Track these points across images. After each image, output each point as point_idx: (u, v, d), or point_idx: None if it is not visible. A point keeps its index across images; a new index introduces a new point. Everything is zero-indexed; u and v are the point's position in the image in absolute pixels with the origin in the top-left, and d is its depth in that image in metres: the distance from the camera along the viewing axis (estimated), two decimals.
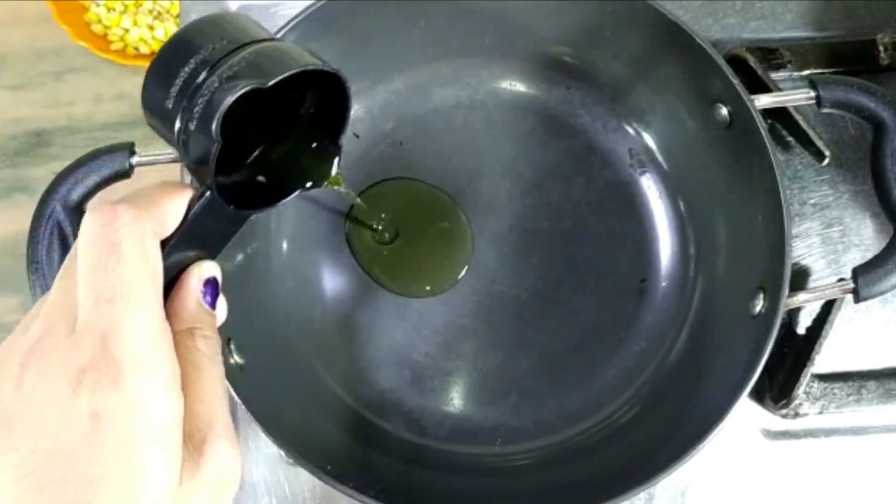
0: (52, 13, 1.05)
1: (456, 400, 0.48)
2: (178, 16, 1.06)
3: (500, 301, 0.49)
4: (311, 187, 0.33)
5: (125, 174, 0.43)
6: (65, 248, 0.42)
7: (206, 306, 0.29)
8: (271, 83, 0.26)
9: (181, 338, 0.27)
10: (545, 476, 0.46)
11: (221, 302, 0.30)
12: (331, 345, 0.49)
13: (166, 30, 1.09)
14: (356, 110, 0.50)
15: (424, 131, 0.51)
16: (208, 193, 0.28)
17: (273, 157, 0.32)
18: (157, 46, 1.09)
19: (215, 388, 0.27)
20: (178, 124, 0.27)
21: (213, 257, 0.30)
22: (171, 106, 0.27)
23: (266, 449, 0.48)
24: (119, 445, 0.24)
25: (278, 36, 0.30)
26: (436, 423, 0.48)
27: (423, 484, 0.46)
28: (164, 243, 0.28)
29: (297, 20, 0.43)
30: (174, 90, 0.27)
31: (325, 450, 0.43)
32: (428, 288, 0.50)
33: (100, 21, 1.09)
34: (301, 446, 0.40)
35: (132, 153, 0.43)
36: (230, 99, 0.26)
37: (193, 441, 0.26)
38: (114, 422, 0.24)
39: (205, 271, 0.29)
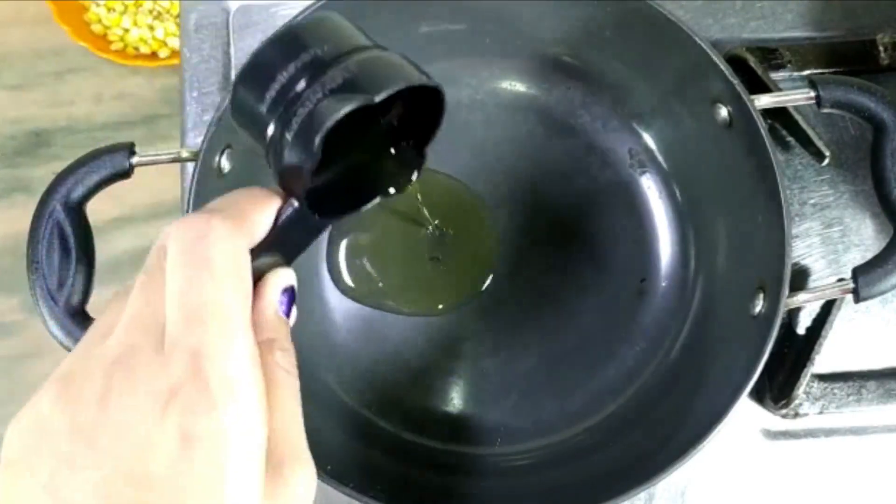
0: (52, 13, 1.05)
1: (456, 400, 0.48)
2: (178, 16, 1.06)
3: (500, 301, 0.49)
4: (393, 193, 0.32)
5: (125, 174, 0.43)
6: (65, 248, 0.42)
7: (283, 316, 0.28)
8: (378, 99, 0.25)
9: (260, 351, 0.26)
10: (545, 476, 0.46)
11: (293, 309, 0.29)
12: (331, 344, 0.49)
13: (166, 30, 1.09)
14: None
15: None
16: (296, 204, 0.27)
17: (354, 161, 0.31)
18: (157, 46, 1.09)
19: (294, 406, 0.26)
20: (271, 131, 0.26)
21: (288, 263, 0.29)
22: (265, 110, 0.26)
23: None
24: (207, 471, 0.23)
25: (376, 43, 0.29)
26: (436, 423, 0.48)
27: (423, 484, 0.46)
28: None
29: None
30: (270, 94, 0.26)
31: (325, 450, 0.42)
32: (441, 306, 0.49)
33: (100, 21, 1.09)
34: None
35: (132, 153, 0.43)
36: (337, 116, 0.25)
37: (273, 462, 0.25)
38: (203, 446, 0.23)
39: (283, 279, 0.28)
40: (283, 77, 0.26)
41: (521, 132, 0.51)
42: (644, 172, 0.50)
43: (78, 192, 0.42)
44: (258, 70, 0.27)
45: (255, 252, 0.27)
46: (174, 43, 1.09)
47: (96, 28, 1.09)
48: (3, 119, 1.08)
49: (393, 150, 0.32)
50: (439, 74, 0.50)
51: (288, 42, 0.27)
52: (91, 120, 1.08)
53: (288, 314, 0.28)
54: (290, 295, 0.28)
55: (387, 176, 0.32)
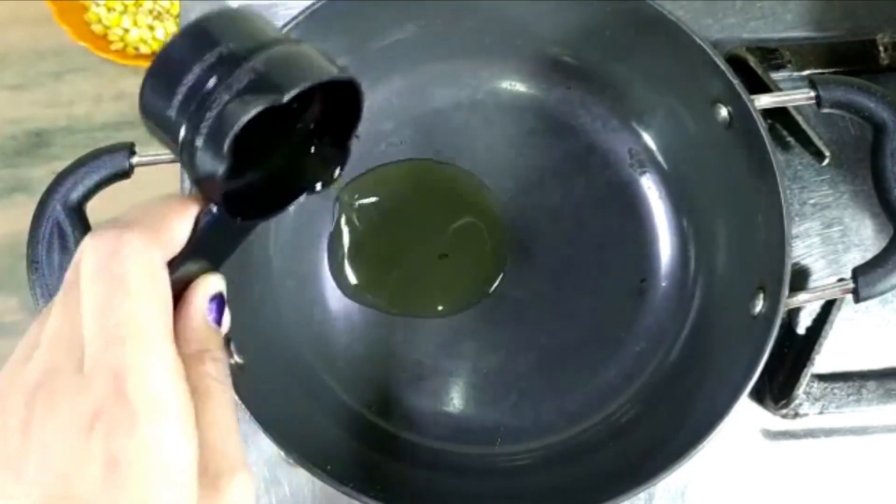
0: (52, 13, 1.05)
1: (456, 400, 0.48)
2: (178, 16, 1.06)
3: (500, 301, 0.49)
4: (319, 190, 0.31)
5: (125, 174, 0.43)
6: (65, 248, 0.42)
7: (214, 325, 0.27)
8: (286, 98, 0.25)
9: (190, 362, 0.25)
10: (545, 476, 0.46)
11: (226, 314, 0.29)
12: (331, 345, 0.49)
13: (166, 30, 1.09)
14: None
15: (424, 131, 0.51)
16: (215, 209, 0.27)
17: (275, 159, 0.31)
18: (157, 46, 1.09)
19: (227, 417, 0.26)
20: (182, 135, 0.25)
21: (216, 268, 0.28)
22: (174, 115, 0.25)
23: (266, 449, 0.48)
24: (136, 491, 0.23)
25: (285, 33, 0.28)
26: (436, 423, 0.48)
27: (423, 484, 0.46)
28: (168, 263, 0.26)
29: (297, 20, 0.43)
30: (178, 98, 0.25)
31: (325, 450, 0.43)
32: (441, 308, 0.49)
33: (100, 21, 1.09)
34: (301, 446, 0.40)
35: (132, 153, 0.43)
36: (243, 119, 0.24)
37: (208, 475, 0.24)
38: (130, 467, 0.22)
39: (210, 287, 0.27)
40: (190, 78, 0.25)
41: (521, 132, 0.51)
42: (644, 172, 0.50)
43: (78, 192, 0.42)
44: (165, 70, 0.26)
45: (178, 260, 0.26)
46: None
47: (96, 28, 1.09)
48: (3, 119, 1.08)
49: (313, 147, 0.31)
50: (439, 74, 0.51)
51: (194, 39, 0.26)
52: (91, 120, 1.08)
53: (219, 322, 0.27)
54: (220, 302, 0.28)
55: (311, 172, 0.31)
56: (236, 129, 0.24)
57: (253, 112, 0.24)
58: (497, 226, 0.50)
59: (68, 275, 0.25)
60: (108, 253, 0.24)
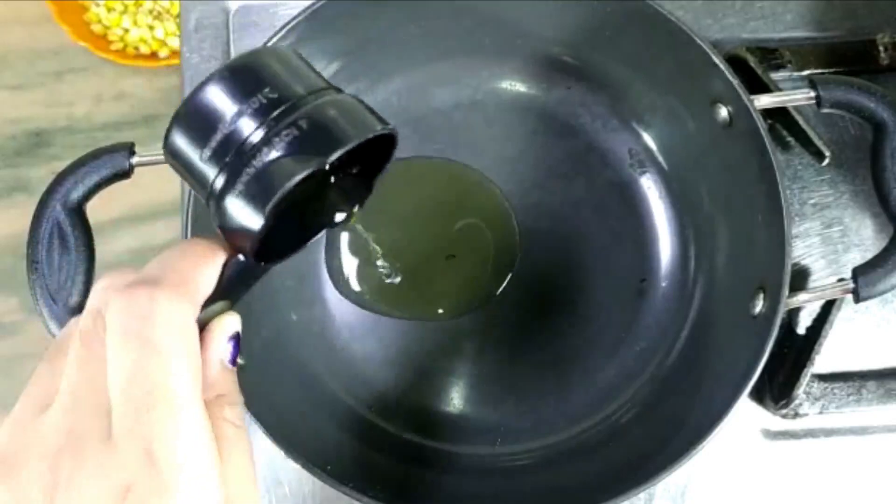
0: (52, 13, 1.05)
1: (456, 400, 0.48)
2: (178, 16, 1.06)
3: (500, 301, 0.49)
4: (338, 223, 0.30)
5: (125, 174, 0.43)
6: (65, 248, 0.42)
7: (230, 366, 0.27)
8: (331, 160, 0.24)
9: (210, 410, 0.25)
10: (545, 476, 0.46)
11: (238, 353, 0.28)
12: (331, 344, 0.49)
13: (166, 30, 1.09)
14: None
15: (424, 131, 0.51)
16: (242, 258, 0.26)
17: (299, 200, 0.29)
18: (157, 46, 1.09)
19: (247, 464, 0.25)
20: (213, 184, 0.24)
21: (232, 306, 0.27)
22: (205, 161, 0.24)
23: (266, 449, 0.48)
24: None
25: (325, 83, 0.26)
26: (436, 423, 0.48)
27: (423, 484, 0.46)
28: None
29: (297, 20, 0.43)
30: (212, 145, 0.24)
31: (325, 450, 0.43)
32: (441, 311, 0.49)
33: (100, 21, 1.09)
34: (301, 446, 0.40)
35: (132, 153, 0.43)
36: (288, 185, 0.23)
37: None
38: None
39: (229, 327, 0.26)
40: (226, 125, 0.24)
41: (521, 132, 0.51)
42: (644, 172, 0.50)
43: (78, 192, 0.42)
44: (198, 114, 0.24)
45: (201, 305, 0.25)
46: (174, 43, 1.09)
47: (96, 28, 1.09)
48: (3, 119, 1.08)
49: (333, 178, 0.30)
50: (439, 74, 0.51)
51: (231, 83, 0.24)
52: (91, 120, 1.08)
53: (234, 362, 0.27)
54: (237, 341, 0.27)
55: (330, 205, 0.30)
56: (281, 193, 0.23)
57: (299, 177, 0.23)
58: (507, 226, 0.50)
59: (86, 323, 0.24)
60: (139, 316, 0.23)
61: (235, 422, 0.25)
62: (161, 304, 0.23)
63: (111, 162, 0.43)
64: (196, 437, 0.23)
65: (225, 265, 0.26)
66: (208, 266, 0.26)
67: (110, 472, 0.22)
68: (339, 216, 0.30)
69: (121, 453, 0.22)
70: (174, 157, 0.25)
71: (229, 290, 0.27)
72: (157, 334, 0.23)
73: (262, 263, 0.27)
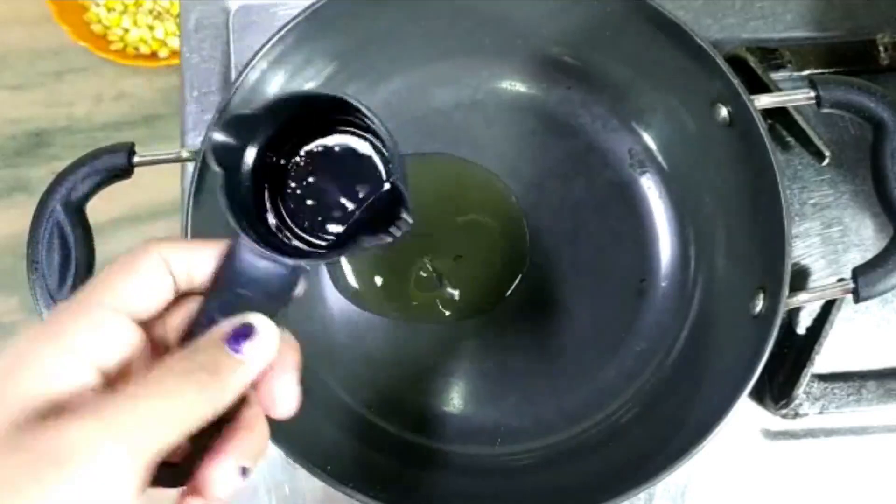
0: (52, 13, 1.05)
1: (456, 400, 0.48)
2: (178, 16, 1.06)
3: (500, 301, 0.49)
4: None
5: (125, 174, 0.43)
6: (65, 248, 0.42)
7: (229, 348, 0.29)
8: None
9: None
10: (545, 476, 0.46)
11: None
12: (331, 345, 0.49)
13: (166, 30, 1.09)
14: None
15: (424, 131, 0.51)
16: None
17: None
18: (157, 46, 1.09)
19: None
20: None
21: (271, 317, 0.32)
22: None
23: (266, 449, 0.48)
24: None
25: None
26: (436, 423, 0.48)
27: (423, 484, 0.46)
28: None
29: (297, 20, 0.43)
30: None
31: (325, 450, 0.43)
32: (448, 314, 0.49)
33: (100, 21, 1.09)
34: (301, 446, 0.40)
35: (132, 153, 0.43)
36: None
37: None
38: None
39: (243, 316, 0.30)
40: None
41: (521, 132, 0.51)
42: (644, 172, 0.50)
43: (78, 192, 0.42)
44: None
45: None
46: (174, 43, 1.09)
47: (96, 28, 1.09)
48: (3, 119, 1.08)
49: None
50: (439, 74, 0.51)
51: None
52: (91, 120, 1.08)
53: (237, 349, 0.28)
54: (246, 332, 0.29)
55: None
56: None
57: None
58: (517, 227, 0.50)
59: None
60: None
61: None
62: None
63: (111, 162, 0.43)
64: None
65: (226, 260, 0.29)
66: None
67: None
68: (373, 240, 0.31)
69: None
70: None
71: (265, 304, 0.30)
72: None
73: (292, 262, 0.31)
